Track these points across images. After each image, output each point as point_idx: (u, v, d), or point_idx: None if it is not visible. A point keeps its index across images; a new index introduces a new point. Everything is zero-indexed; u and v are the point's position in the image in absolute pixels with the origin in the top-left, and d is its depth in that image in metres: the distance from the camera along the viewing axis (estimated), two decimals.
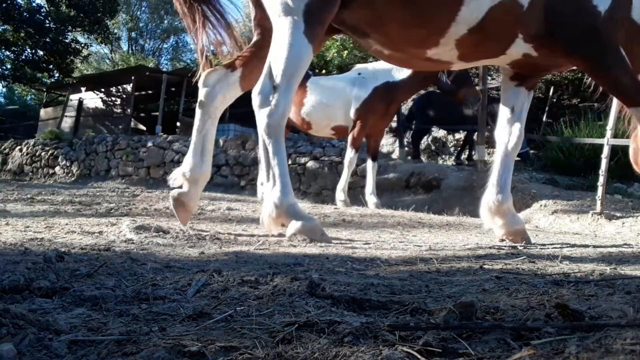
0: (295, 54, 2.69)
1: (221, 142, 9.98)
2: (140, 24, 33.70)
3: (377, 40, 2.96)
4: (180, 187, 3.20)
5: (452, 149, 12.57)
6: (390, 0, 2.72)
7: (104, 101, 17.61)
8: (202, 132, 3.24)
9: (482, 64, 3.24)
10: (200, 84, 3.26)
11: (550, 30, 2.75)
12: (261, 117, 2.78)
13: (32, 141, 14.01)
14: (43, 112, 19.80)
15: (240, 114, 15.55)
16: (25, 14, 15.35)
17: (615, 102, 4.92)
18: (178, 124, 14.69)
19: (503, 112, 3.25)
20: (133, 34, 33.51)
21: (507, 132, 3.20)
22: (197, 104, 3.25)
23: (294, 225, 2.81)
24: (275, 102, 2.73)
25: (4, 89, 34.68)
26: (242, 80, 3.22)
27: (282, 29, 2.72)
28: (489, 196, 3.20)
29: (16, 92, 31.13)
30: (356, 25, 2.93)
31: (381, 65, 6.17)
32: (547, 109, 11.53)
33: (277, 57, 2.73)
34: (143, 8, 33.83)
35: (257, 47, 3.19)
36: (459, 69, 5.57)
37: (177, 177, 3.22)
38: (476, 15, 2.70)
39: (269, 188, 2.87)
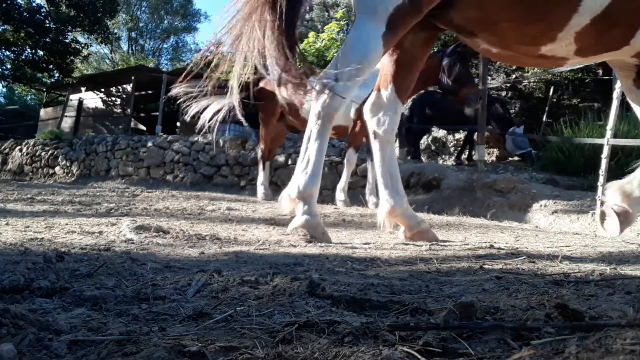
0: (365, 54, 2.68)
1: (221, 142, 9.97)
2: (140, 24, 33.75)
3: (485, 39, 2.83)
4: (389, 225, 3.12)
5: (452, 149, 12.56)
6: None
7: (104, 101, 17.63)
8: (387, 163, 3.12)
9: (601, 59, 3.03)
10: (367, 116, 3.17)
11: None
12: (317, 102, 2.82)
13: (32, 141, 14.00)
14: (43, 112, 19.83)
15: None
16: (25, 14, 15.35)
17: (615, 103, 4.91)
18: (178, 124, 14.69)
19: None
20: (133, 34, 33.56)
21: None
22: (372, 136, 3.15)
23: (298, 219, 2.87)
24: (332, 94, 2.75)
25: (4, 89, 34.74)
26: (399, 94, 3.13)
27: (362, 26, 2.71)
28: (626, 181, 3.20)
29: (16, 92, 31.20)
30: (464, 25, 2.80)
31: None
32: (547, 109, 11.52)
33: (347, 52, 2.73)
34: (143, 8, 33.88)
35: (396, 62, 3.11)
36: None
37: (384, 219, 3.11)
38: (601, 2, 2.47)
39: (300, 170, 2.89)
